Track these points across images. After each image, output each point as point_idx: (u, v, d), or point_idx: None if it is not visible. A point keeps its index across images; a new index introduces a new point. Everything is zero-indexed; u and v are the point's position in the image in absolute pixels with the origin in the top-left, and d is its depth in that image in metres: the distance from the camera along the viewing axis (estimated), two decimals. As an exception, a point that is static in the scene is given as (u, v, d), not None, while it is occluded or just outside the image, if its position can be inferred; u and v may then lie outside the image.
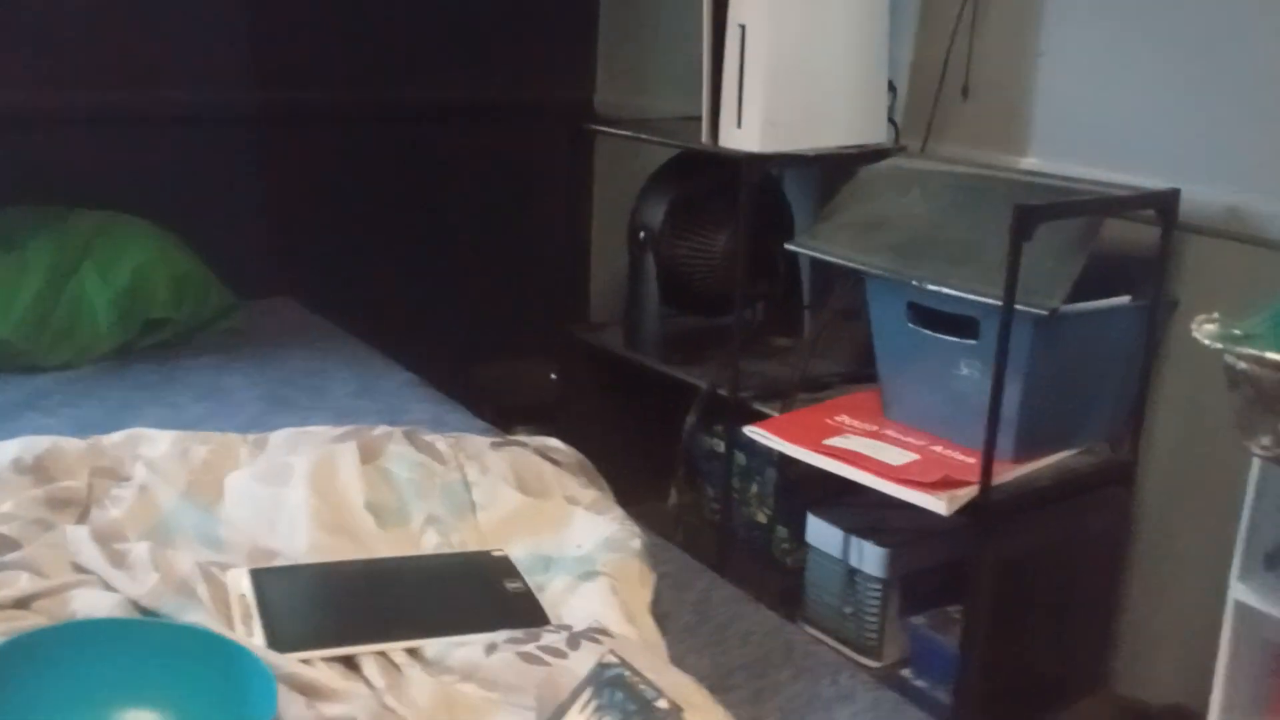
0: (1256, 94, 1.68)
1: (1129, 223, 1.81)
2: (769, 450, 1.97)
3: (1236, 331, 1.11)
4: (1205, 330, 1.13)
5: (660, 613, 1.30)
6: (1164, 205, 1.73)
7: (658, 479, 2.32)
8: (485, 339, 2.74)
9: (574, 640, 1.13)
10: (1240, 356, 1.08)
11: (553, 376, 2.61)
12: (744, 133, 1.95)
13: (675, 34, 2.64)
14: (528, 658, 1.11)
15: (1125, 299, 1.73)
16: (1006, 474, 1.66)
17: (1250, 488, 1.27)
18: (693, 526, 2.27)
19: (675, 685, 1.08)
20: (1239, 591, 1.30)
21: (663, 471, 2.33)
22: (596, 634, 1.14)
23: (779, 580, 2.06)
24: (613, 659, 1.08)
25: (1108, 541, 1.83)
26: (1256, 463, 1.24)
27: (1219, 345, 1.11)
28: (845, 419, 1.88)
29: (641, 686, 1.05)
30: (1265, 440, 1.08)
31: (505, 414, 2.37)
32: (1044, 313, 1.57)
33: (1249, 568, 1.29)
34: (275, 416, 1.81)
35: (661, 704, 1.03)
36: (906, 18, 2.13)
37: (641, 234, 2.19)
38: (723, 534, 2.16)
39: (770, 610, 1.37)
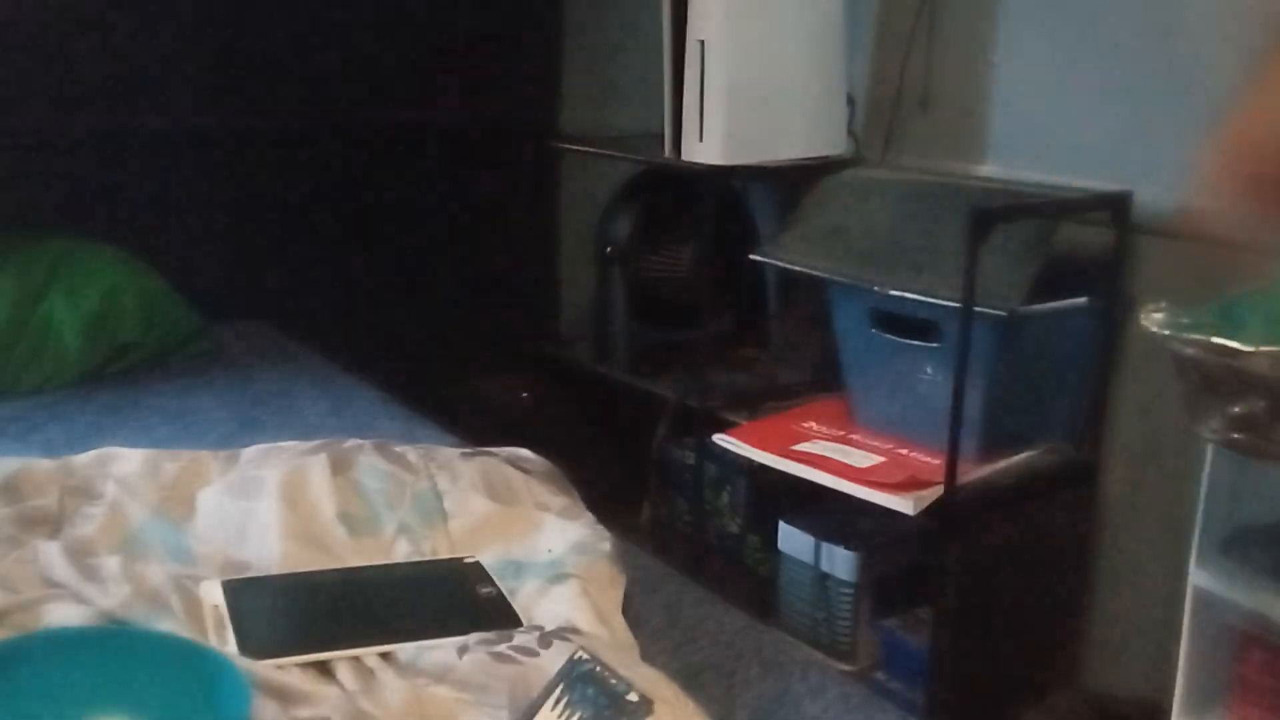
0: (1203, 98, 1.72)
1: (1084, 226, 1.85)
2: (739, 460, 1.99)
3: (1184, 320, 1.14)
4: (1154, 319, 1.17)
5: (631, 615, 1.32)
6: (1117, 207, 1.77)
7: (631, 494, 2.33)
8: (456, 358, 2.75)
9: (545, 639, 1.14)
10: (1187, 343, 1.11)
11: (524, 395, 2.62)
12: (706, 146, 1.98)
13: (638, 52, 2.67)
14: (499, 658, 1.12)
15: (1082, 299, 1.77)
16: (970, 474, 1.69)
17: (1204, 474, 1.30)
18: (666, 539, 2.28)
19: (646, 680, 1.09)
20: (1198, 578, 1.32)
21: (636, 486, 2.34)
22: (568, 633, 1.16)
23: (752, 588, 2.08)
24: (584, 655, 1.09)
25: (1071, 539, 1.86)
26: (1209, 449, 1.27)
27: (1166, 332, 1.14)
28: (813, 425, 1.90)
29: (613, 681, 1.06)
30: (1214, 424, 1.11)
31: (477, 432, 2.38)
32: (1003, 314, 1.60)
33: (1206, 554, 1.32)
34: (246, 437, 1.81)
35: (632, 697, 1.05)
36: (863, 31, 2.17)
37: (608, 249, 2.21)
38: (695, 544, 2.17)
39: (740, 611, 1.38)
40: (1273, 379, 1.03)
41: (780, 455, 1.79)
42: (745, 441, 1.85)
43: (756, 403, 2.01)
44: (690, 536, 2.21)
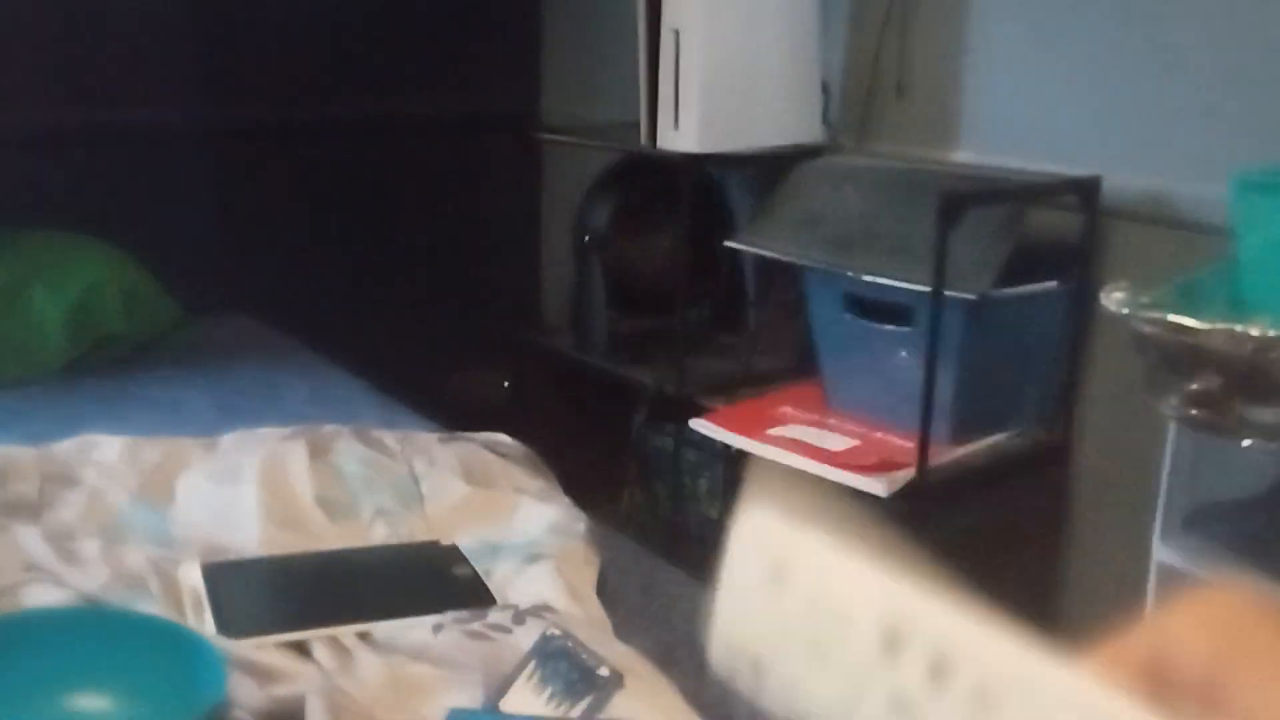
0: (1172, 85, 1.75)
1: (1055, 211, 1.87)
2: (717, 446, 2.01)
3: (1143, 299, 1.16)
4: (1114, 298, 1.19)
5: (607, 595, 1.34)
6: (1086, 191, 1.79)
7: (612, 481, 2.35)
8: (439, 349, 2.77)
9: (519, 617, 1.16)
10: (1146, 321, 1.13)
11: (505, 383, 2.64)
12: (682, 134, 2.00)
13: (617, 42, 2.69)
14: (474, 635, 1.14)
15: (1052, 283, 1.79)
16: (943, 456, 1.71)
17: (1167, 451, 1.32)
18: (646, 525, 2.30)
19: (618, 655, 1.11)
20: (1161, 553, 1.35)
21: (617, 474, 2.36)
22: (541, 610, 1.18)
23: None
24: (556, 631, 1.11)
25: (1042, 519, 1.88)
26: (1171, 427, 1.30)
27: (1126, 311, 1.16)
28: (789, 409, 1.92)
29: (584, 656, 1.09)
30: (1173, 401, 1.13)
31: (459, 421, 2.39)
32: (973, 297, 1.62)
33: (1169, 530, 1.34)
34: (228, 425, 1.82)
35: (603, 672, 1.07)
36: (837, 20, 2.19)
37: (587, 238, 2.23)
38: (674, 529, 2.19)
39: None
40: (1228, 355, 1.06)
41: (756, 439, 1.81)
42: (722, 426, 1.87)
43: (734, 389, 2.03)
44: (670, 522, 2.23)
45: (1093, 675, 0.32)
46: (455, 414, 2.46)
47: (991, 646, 0.34)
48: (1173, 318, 1.11)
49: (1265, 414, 1.04)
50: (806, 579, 0.38)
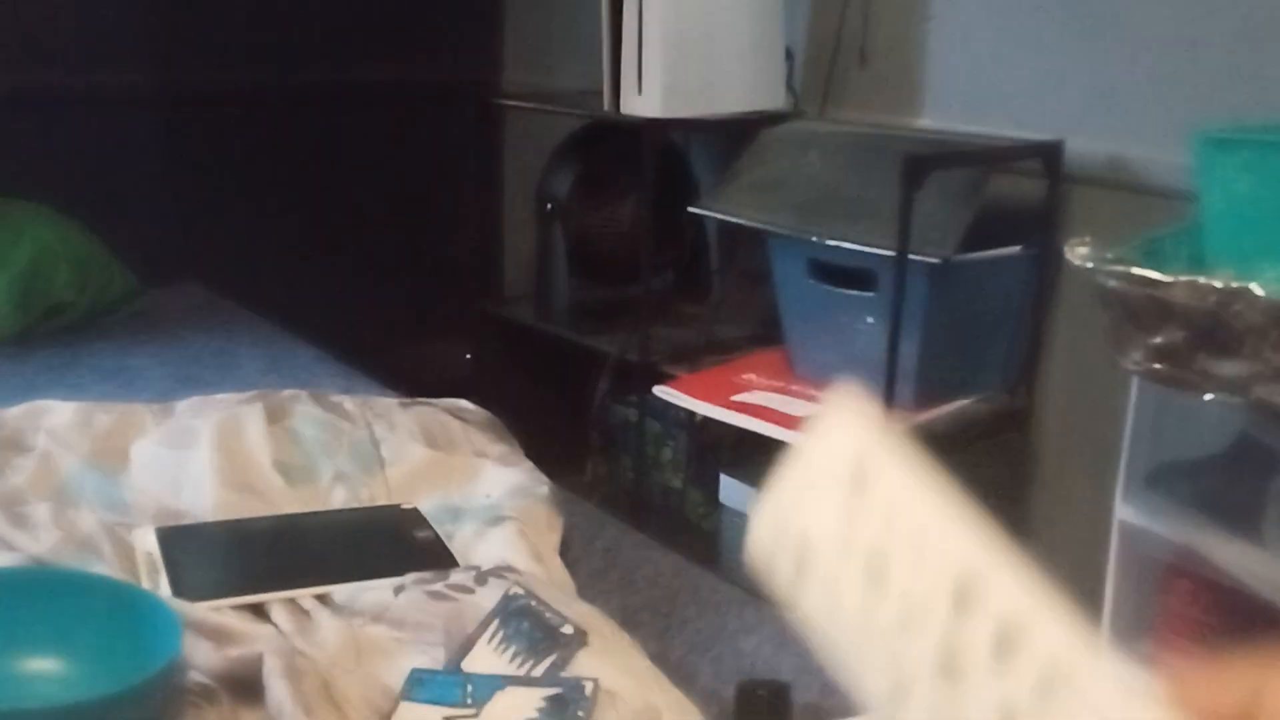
0: (1132, 50, 1.75)
1: (1018, 176, 1.87)
2: (680, 415, 2.00)
3: (1108, 254, 1.16)
4: (1078, 253, 1.19)
5: (570, 559, 1.32)
6: (1049, 156, 1.79)
7: (575, 453, 2.34)
8: (399, 320, 2.74)
9: (481, 577, 1.15)
10: (1110, 275, 1.13)
11: (467, 355, 2.62)
12: (645, 99, 1.98)
13: (579, 8, 2.66)
14: (435, 596, 1.12)
15: (1016, 248, 1.79)
16: (907, 421, 1.71)
17: (1130, 408, 1.32)
18: (610, 495, 2.29)
19: (581, 615, 1.10)
20: (1124, 511, 1.35)
21: (580, 444, 2.35)
22: (504, 571, 1.16)
23: (694, 541, 2.09)
24: (519, 590, 1.10)
25: (1005, 483, 1.89)
26: (1134, 386, 1.30)
27: (1090, 265, 1.16)
28: (752, 377, 1.92)
29: (547, 615, 1.07)
30: (1136, 355, 1.13)
31: (421, 392, 2.37)
32: (937, 261, 1.62)
33: (1131, 488, 1.35)
34: (183, 393, 1.79)
35: (567, 630, 1.06)
36: (801, -14, 2.18)
37: (549, 205, 2.21)
38: (638, 499, 2.19)
39: (678, 555, 1.40)
40: (1191, 308, 1.06)
41: (720, 406, 1.81)
42: (686, 394, 1.86)
43: (698, 357, 2.02)
44: (633, 492, 2.22)
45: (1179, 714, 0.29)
46: (416, 385, 2.43)
47: (1063, 635, 0.31)
48: (1137, 271, 1.10)
49: (1227, 367, 1.04)
50: (888, 494, 0.34)
